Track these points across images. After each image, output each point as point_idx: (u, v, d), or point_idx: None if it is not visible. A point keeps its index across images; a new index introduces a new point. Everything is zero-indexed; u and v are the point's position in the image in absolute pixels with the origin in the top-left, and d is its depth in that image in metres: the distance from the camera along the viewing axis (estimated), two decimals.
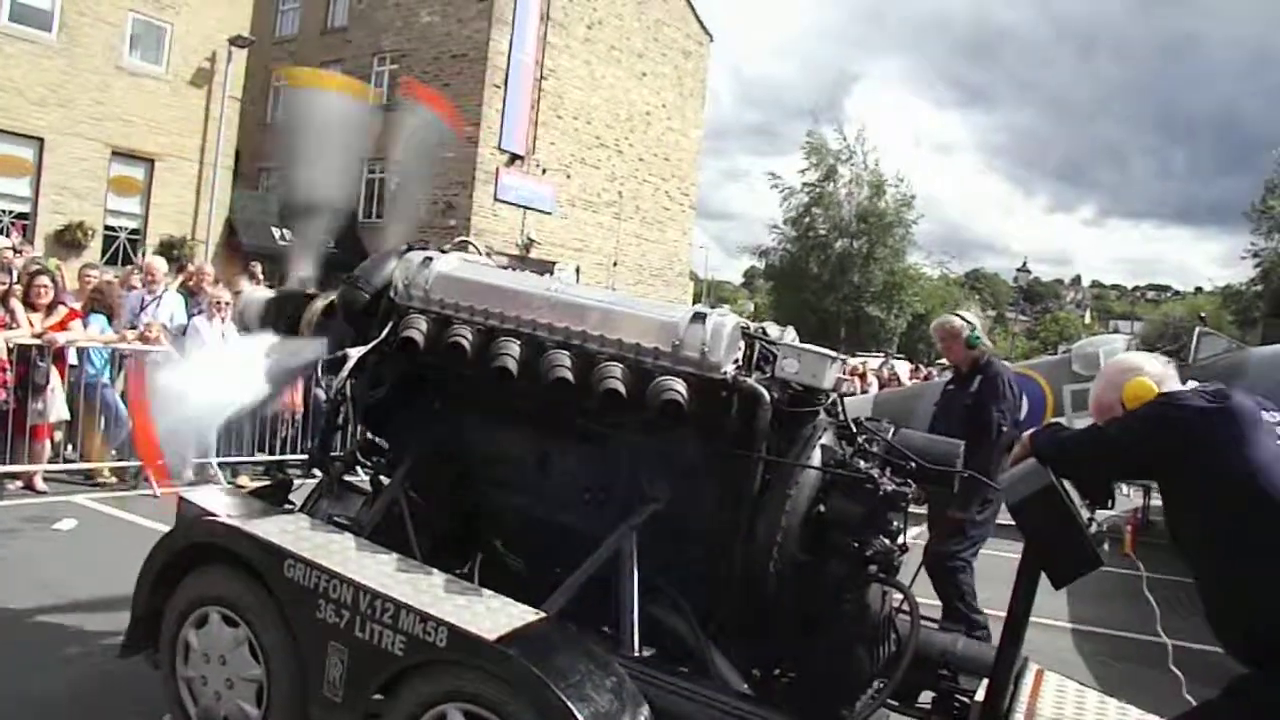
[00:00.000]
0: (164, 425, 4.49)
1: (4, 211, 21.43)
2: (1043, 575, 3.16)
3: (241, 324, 5.03)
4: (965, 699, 3.80)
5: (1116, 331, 41.17)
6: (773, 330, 4.00)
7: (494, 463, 4.18)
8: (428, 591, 3.41)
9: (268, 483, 4.93)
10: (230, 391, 4.17)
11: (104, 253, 22.76)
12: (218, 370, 4.38)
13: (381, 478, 4.53)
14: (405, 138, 5.11)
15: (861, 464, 3.59)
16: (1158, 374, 3.11)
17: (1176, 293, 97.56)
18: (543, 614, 3.40)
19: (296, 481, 4.96)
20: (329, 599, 3.44)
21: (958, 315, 6.35)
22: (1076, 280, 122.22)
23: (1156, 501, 11.91)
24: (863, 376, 20.91)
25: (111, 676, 4.55)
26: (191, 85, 24.65)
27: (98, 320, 9.52)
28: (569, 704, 2.95)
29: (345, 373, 4.22)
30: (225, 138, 25.27)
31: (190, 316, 10.47)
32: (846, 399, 4.04)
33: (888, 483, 3.51)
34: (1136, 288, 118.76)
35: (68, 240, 22.04)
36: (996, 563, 8.35)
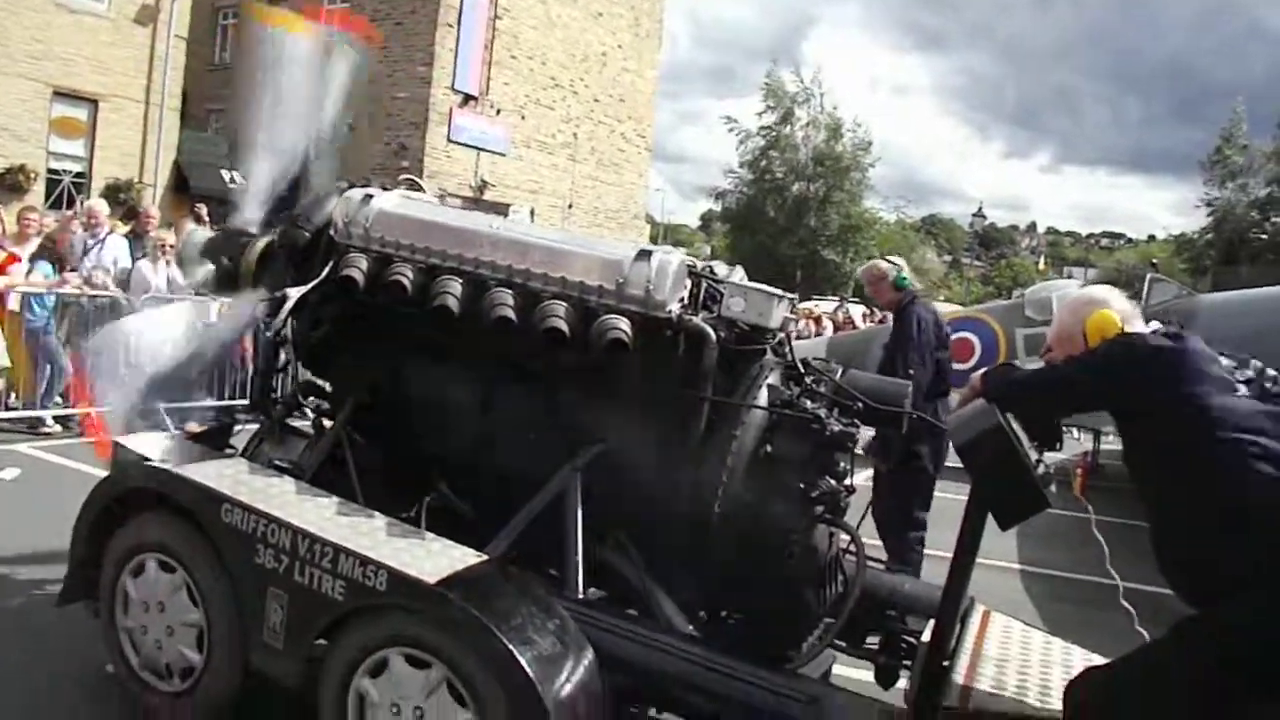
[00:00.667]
0: (103, 380, 4.41)
1: None
2: (990, 517, 3.15)
3: (181, 262, 4.91)
4: (912, 639, 3.81)
5: (1070, 278, 41.63)
6: (720, 269, 3.94)
7: (437, 404, 4.10)
8: (368, 535, 3.36)
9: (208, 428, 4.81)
10: (171, 349, 4.09)
11: (48, 196, 22.22)
12: (160, 329, 4.29)
13: (324, 420, 4.45)
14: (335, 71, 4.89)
15: (808, 404, 3.55)
16: (1123, 310, 3.08)
17: (1130, 240, 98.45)
18: (484, 556, 3.36)
19: (239, 426, 4.87)
20: (267, 544, 3.38)
21: (885, 259, 6.37)
22: (1032, 227, 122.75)
23: (1106, 445, 12.09)
24: (818, 320, 20.95)
25: (52, 626, 4.46)
26: (136, 24, 23.95)
27: (42, 267, 9.30)
28: (511, 647, 2.92)
29: (284, 313, 4.12)
30: (172, 78, 24.66)
31: (135, 260, 10.26)
32: (801, 342, 4.00)
33: (834, 423, 3.48)
34: (1091, 235, 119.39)
35: (9, 184, 21.47)
36: (944, 505, 8.43)
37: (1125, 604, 3.59)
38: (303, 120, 4.50)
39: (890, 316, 6.49)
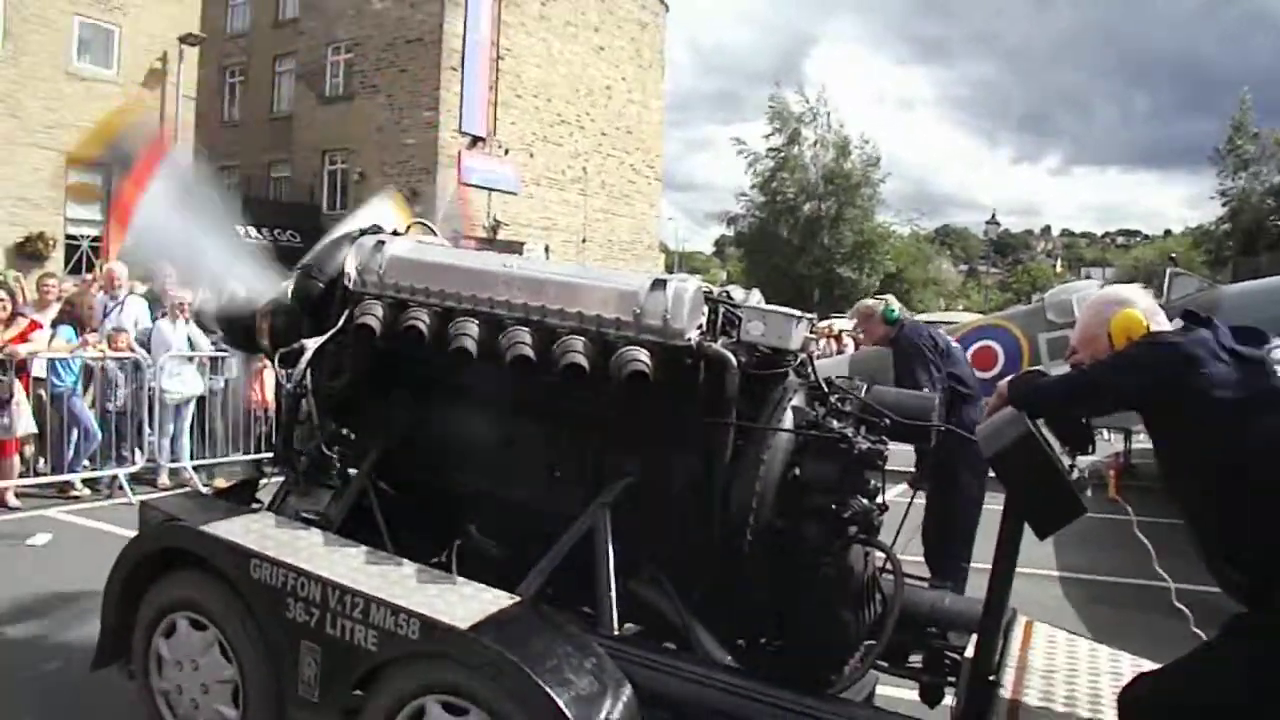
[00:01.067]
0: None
1: None
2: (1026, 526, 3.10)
3: (200, 323, 4.94)
4: (955, 656, 3.74)
5: (1088, 278, 41.38)
6: (737, 293, 3.91)
7: (461, 447, 4.08)
8: (398, 583, 3.33)
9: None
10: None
11: (67, 262, 22.45)
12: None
13: (349, 470, 4.43)
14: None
15: (834, 424, 3.51)
16: (1147, 308, 3.03)
17: (1146, 237, 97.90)
18: (517, 598, 3.32)
19: (265, 481, 4.86)
20: (298, 597, 3.35)
21: (872, 297, 6.43)
22: (1046, 230, 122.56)
23: (1138, 445, 11.96)
24: (838, 338, 20.87)
25: (87, 691, 4.44)
26: (144, 87, 24.27)
27: (64, 332, 9.36)
28: (547, 688, 2.88)
29: (303, 364, 4.11)
30: (182, 138, 24.90)
31: (155, 320, 10.32)
32: (823, 361, 3.95)
33: (862, 441, 3.43)
34: (1106, 234, 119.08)
35: (29, 252, 21.73)
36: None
37: (1180, 605, 3.52)
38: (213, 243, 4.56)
39: None
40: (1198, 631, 3.29)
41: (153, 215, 4.48)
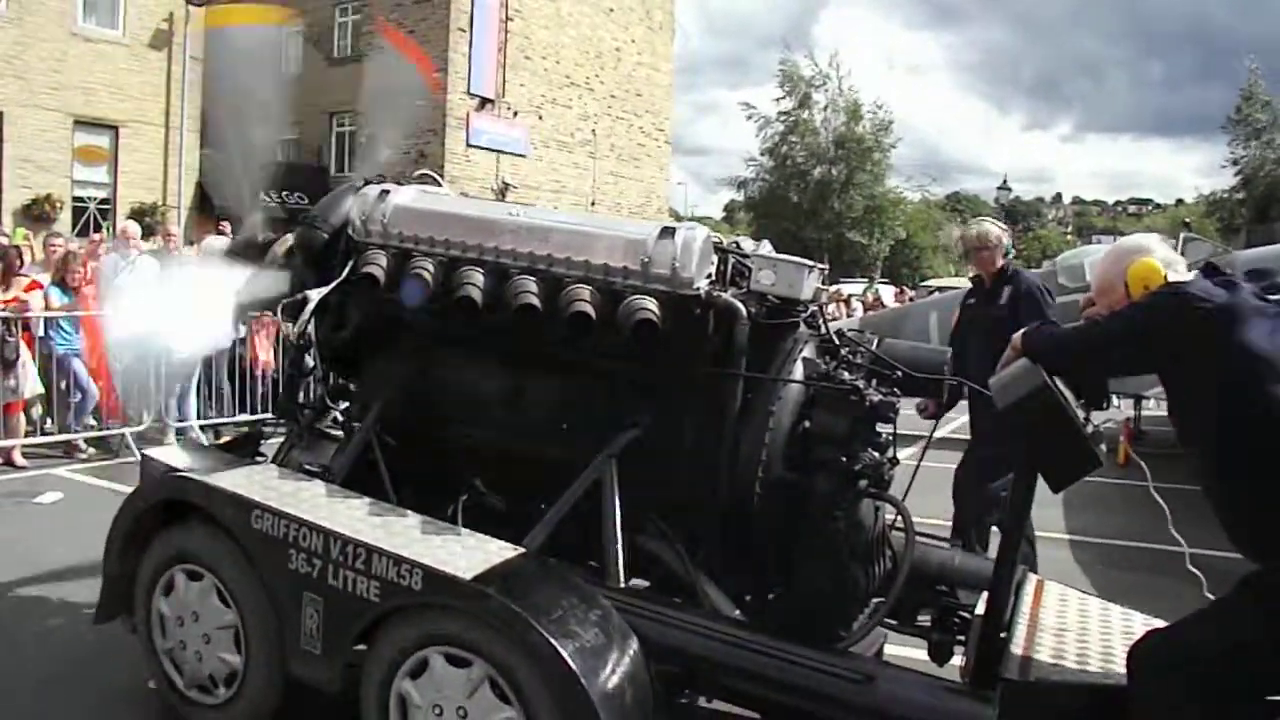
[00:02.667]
0: (122, 367, 4.38)
1: None
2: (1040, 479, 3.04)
3: None
4: (965, 614, 3.69)
5: (1099, 245, 41.14)
6: (747, 244, 3.84)
7: (466, 398, 4.03)
8: (401, 534, 3.29)
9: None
10: (188, 322, 4.04)
11: (75, 223, 22.36)
12: (174, 304, 4.26)
13: (353, 422, 4.39)
14: (376, 85, 4.89)
15: (846, 376, 3.45)
16: (1166, 258, 2.97)
17: (1158, 205, 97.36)
18: (521, 550, 3.28)
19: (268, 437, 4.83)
20: (299, 548, 3.32)
21: (990, 221, 6.07)
22: (1058, 198, 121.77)
23: (1148, 411, 11.89)
24: (846, 302, 20.81)
25: (94, 645, 4.44)
26: (151, 48, 24.06)
27: (53, 292, 9.32)
28: (552, 640, 2.85)
29: (306, 315, 4.06)
30: (190, 100, 24.73)
31: None
32: (832, 323, 3.88)
33: (874, 393, 3.37)
34: (1118, 202, 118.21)
35: (36, 214, 21.64)
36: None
37: (1194, 569, 3.47)
38: (264, 114, 4.47)
39: (972, 285, 6.20)
40: (1211, 596, 3.24)
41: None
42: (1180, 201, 76.29)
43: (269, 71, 4.44)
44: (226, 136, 4.52)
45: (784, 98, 43.15)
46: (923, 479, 3.64)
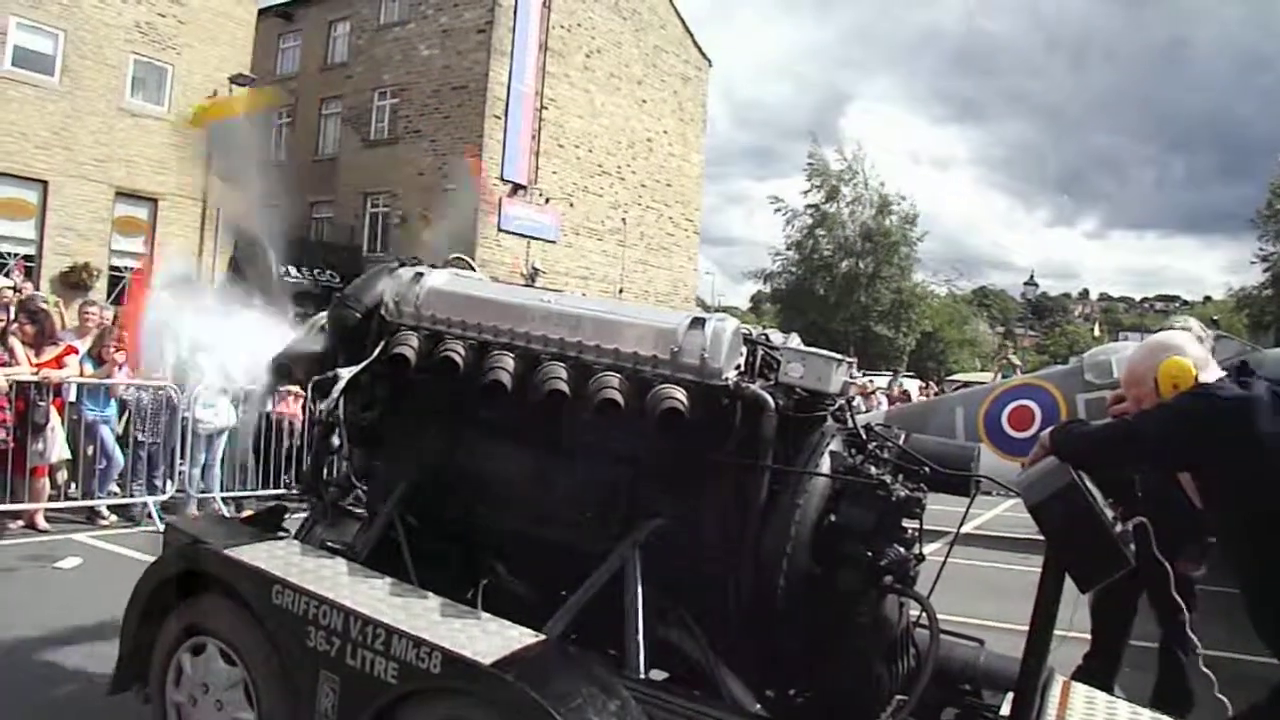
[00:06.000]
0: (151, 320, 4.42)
1: (9, 254, 21.40)
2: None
3: None
4: (990, 715, 3.63)
5: (1127, 342, 40.96)
6: (776, 336, 3.86)
7: (491, 483, 4.03)
8: (421, 616, 3.27)
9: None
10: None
11: (109, 292, 22.71)
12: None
13: (377, 501, 4.39)
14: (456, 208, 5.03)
15: (872, 470, 3.44)
16: (1197, 357, 2.97)
17: (1185, 302, 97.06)
18: (542, 636, 3.25)
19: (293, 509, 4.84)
20: (319, 626, 3.30)
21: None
22: (1085, 294, 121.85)
23: None
24: (872, 395, 20.74)
25: (106, 715, 4.40)
26: (193, 125, 24.68)
27: (89, 362, 9.44)
28: None
29: (336, 393, 4.08)
30: (218, 177, 25.24)
31: None
32: (859, 417, 3.88)
33: (900, 489, 3.36)
34: (1145, 299, 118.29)
35: (73, 281, 22.04)
36: (1008, 575, 8.15)
37: (1205, 670, 3.42)
38: (264, 196, 4.58)
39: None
40: (1220, 697, 3.19)
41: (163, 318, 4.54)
42: (1208, 299, 76.14)
43: (254, 154, 4.59)
44: (241, 228, 4.68)
45: (812, 190, 43.58)
46: (948, 576, 3.60)
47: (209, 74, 24.79)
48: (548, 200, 32.77)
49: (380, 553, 4.00)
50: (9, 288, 11.77)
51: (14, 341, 8.70)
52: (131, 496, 9.58)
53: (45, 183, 22.13)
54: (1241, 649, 2.67)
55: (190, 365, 9.94)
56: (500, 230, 31.19)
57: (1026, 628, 3.16)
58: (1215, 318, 20.47)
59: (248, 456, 10.24)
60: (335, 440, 4.40)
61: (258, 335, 4.35)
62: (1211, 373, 2.94)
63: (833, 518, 3.39)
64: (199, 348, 4.38)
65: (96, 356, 9.49)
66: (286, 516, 4.68)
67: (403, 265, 4.36)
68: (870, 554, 3.28)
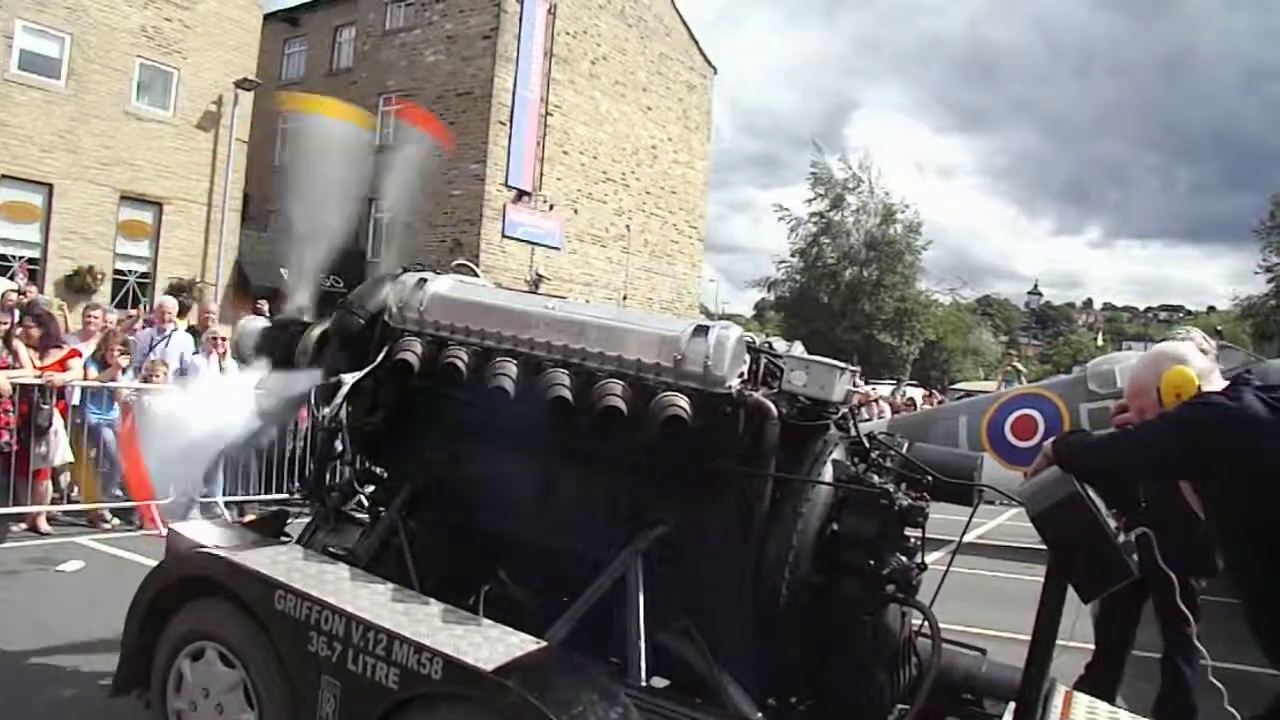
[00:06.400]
0: (155, 463, 4.40)
1: (14, 256, 21.44)
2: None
3: (238, 354, 4.92)
4: None
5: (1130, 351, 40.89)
6: (779, 344, 3.86)
7: (493, 489, 4.03)
8: (423, 622, 3.27)
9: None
10: (221, 424, 4.06)
11: (114, 296, 22.76)
12: (209, 404, 4.28)
13: (379, 507, 4.39)
14: (399, 163, 5.00)
15: (875, 479, 3.44)
16: (1202, 368, 2.97)
17: (1189, 312, 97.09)
18: (543, 643, 3.25)
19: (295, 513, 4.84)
20: (320, 631, 3.30)
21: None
22: (1088, 304, 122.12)
23: None
24: (876, 403, 20.73)
25: (106, 717, 4.40)
26: (198, 129, 24.75)
27: (95, 368, 9.46)
28: None
29: (339, 399, 4.09)
30: (233, 180, 25.32)
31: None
32: (862, 425, 3.88)
33: (903, 498, 3.36)
34: (1149, 309, 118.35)
35: (77, 284, 22.06)
36: (1011, 585, 8.14)
37: (1214, 681, 3.41)
38: (340, 202, 4.56)
39: None
40: (1230, 710, 3.18)
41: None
42: (1212, 309, 76.08)
43: (356, 165, 4.56)
44: (294, 218, 4.62)
45: (816, 199, 43.54)
46: (951, 585, 3.60)
47: (214, 78, 24.83)
48: (552, 207, 32.76)
49: (382, 557, 4.00)
50: (13, 291, 11.79)
51: (18, 344, 8.72)
52: (133, 500, 9.58)
53: (50, 186, 22.14)
54: (1240, 660, 2.66)
55: (190, 369, 9.97)
56: (504, 236, 31.20)
57: (1028, 637, 3.16)
58: (1219, 328, 20.43)
59: (250, 461, 10.23)
60: (338, 445, 4.41)
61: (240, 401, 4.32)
62: (1215, 383, 2.94)
63: (835, 526, 3.40)
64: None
65: (100, 360, 9.51)
66: (289, 521, 4.69)
67: (406, 271, 4.36)
68: (873, 563, 3.29)
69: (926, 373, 46.08)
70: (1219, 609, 3.35)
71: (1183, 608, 3.62)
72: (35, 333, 9.02)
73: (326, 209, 4.56)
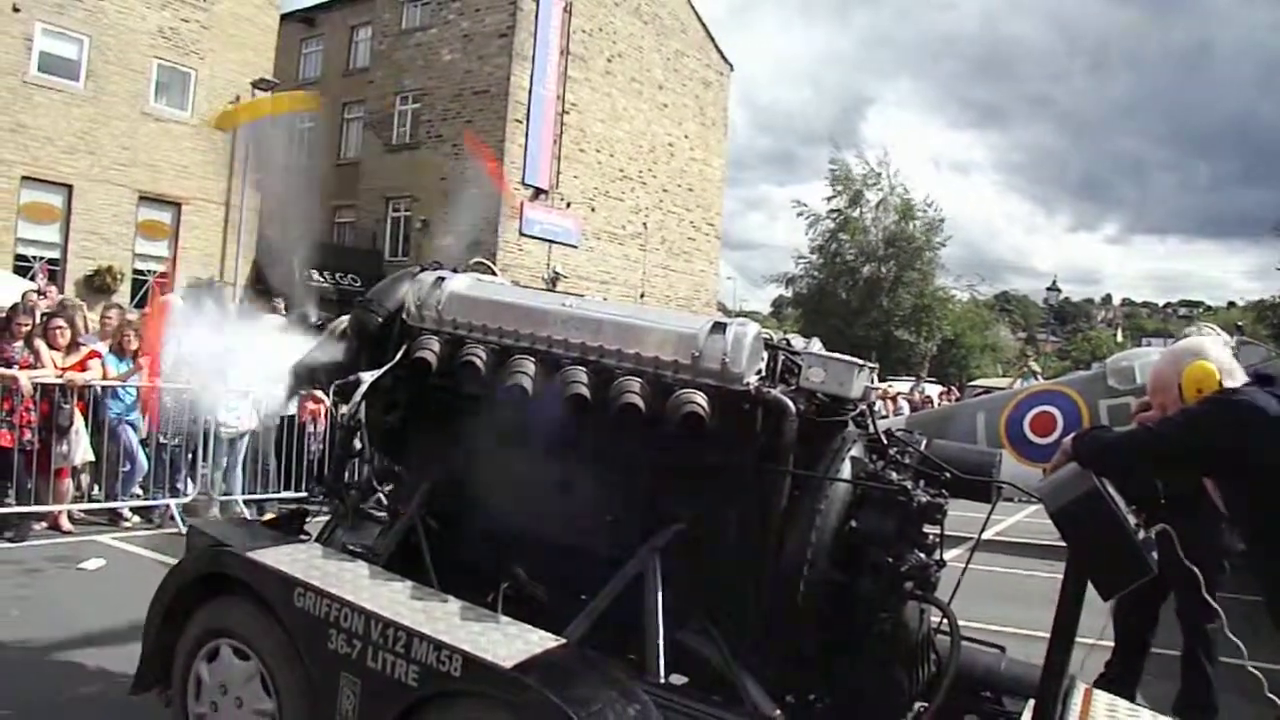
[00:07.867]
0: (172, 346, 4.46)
1: (34, 257, 21.58)
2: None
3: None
4: None
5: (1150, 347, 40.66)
6: (797, 341, 3.86)
7: (512, 486, 4.03)
8: (442, 619, 3.28)
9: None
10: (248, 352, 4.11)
11: (133, 296, 22.88)
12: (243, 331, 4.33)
13: (398, 505, 4.40)
14: (467, 201, 5.04)
15: (894, 476, 3.43)
16: (1223, 363, 2.95)
17: (1208, 308, 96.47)
18: (562, 640, 3.26)
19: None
20: (340, 628, 3.31)
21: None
22: (1107, 299, 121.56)
23: None
24: (893, 400, 20.69)
25: (126, 714, 4.43)
26: (216, 129, 24.85)
27: (110, 361, 9.50)
28: None
29: (358, 397, 4.10)
30: (250, 181, 25.41)
31: None
32: (880, 422, 3.86)
33: (921, 494, 3.35)
34: (1168, 304, 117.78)
35: (97, 285, 22.21)
36: (1030, 582, 8.11)
37: (1254, 670, 3.38)
38: (308, 192, 4.60)
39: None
40: (1272, 696, 3.16)
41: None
42: (1232, 304, 75.66)
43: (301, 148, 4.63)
44: (275, 219, 4.69)
45: (835, 196, 43.45)
46: (969, 582, 3.59)
47: (232, 79, 24.95)
48: (569, 205, 32.80)
49: (401, 555, 4.02)
50: (34, 291, 11.87)
51: (39, 344, 8.78)
52: (154, 499, 9.64)
53: (70, 187, 22.32)
54: (1267, 656, 2.64)
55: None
56: (521, 235, 31.24)
57: (1048, 634, 3.15)
58: (1240, 323, 20.25)
59: (269, 459, 10.28)
60: (357, 444, 4.42)
61: (277, 344, 4.37)
62: (1237, 378, 2.92)
63: (854, 523, 3.38)
64: (220, 359, 4.37)
65: (117, 349, 9.56)
66: (308, 520, 4.71)
67: (424, 269, 4.38)
68: (891, 560, 3.28)
69: (944, 369, 45.89)
70: (1239, 605, 3.32)
71: (1211, 601, 3.60)
72: (68, 334, 9.09)
73: (297, 202, 4.61)
